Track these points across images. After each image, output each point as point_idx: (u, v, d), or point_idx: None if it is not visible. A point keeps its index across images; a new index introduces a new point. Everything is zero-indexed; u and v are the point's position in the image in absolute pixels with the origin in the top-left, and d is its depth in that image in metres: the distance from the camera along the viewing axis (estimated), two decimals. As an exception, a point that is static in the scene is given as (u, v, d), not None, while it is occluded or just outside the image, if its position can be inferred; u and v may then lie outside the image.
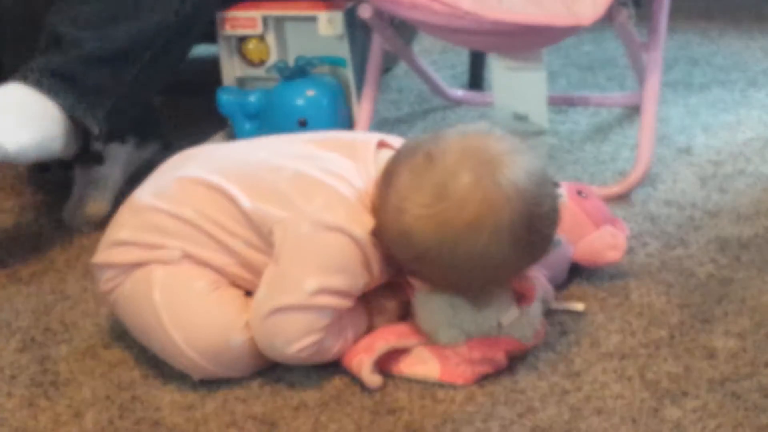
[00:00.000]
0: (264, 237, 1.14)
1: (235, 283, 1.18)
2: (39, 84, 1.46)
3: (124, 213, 1.20)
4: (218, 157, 1.22)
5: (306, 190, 1.13)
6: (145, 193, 1.19)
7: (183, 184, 1.18)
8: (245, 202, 1.14)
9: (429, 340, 1.16)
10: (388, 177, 1.12)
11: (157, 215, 1.16)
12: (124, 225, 1.18)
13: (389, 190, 1.11)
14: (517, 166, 1.09)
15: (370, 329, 1.19)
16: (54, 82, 1.48)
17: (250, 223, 1.14)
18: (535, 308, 1.17)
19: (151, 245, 1.16)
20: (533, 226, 1.09)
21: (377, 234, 1.13)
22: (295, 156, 1.19)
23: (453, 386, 1.13)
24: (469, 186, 1.07)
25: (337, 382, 1.15)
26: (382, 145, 1.21)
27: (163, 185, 1.19)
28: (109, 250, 1.18)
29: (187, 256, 1.15)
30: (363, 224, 1.12)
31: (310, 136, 1.25)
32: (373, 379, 1.13)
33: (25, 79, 1.46)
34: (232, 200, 1.15)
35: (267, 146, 1.24)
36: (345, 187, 1.13)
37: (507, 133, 1.13)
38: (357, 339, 1.17)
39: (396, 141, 1.23)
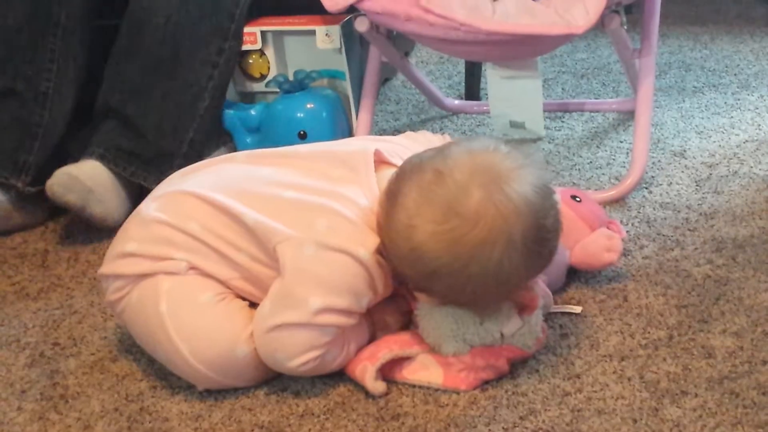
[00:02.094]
0: (269, 253, 1.14)
1: (240, 296, 1.19)
2: (103, 158, 1.60)
3: (131, 225, 1.21)
4: (220, 173, 1.23)
5: (309, 213, 1.14)
6: (150, 206, 1.20)
7: (187, 199, 1.19)
8: (249, 217, 1.15)
9: (432, 349, 1.17)
10: (393, 195, 1.12)
11: (164, 228, 1.17)
12: (132, 237, 1.19)
13: (396, 208, 1.10)
14: (525, 180, 1.09)
15: (372, 341, 1.20)
16: (117, 155, 1.60)
17: (254, 238, 1.15)
18: (537, 317, 1.18)
19: (158, 257, 1.17)
20: (542, 237, 1.10)
21: (383, 252, 1.13)
22: (297, 175, 1.19)
23: (456, 391, 1.15)
24: (482, 202, 1.07)
25: (342, 389, 1.17)
26: (379, 160, 1.21)
27: (167, 199, 1.21)
28: (116, 261, 1.20)
29: (193, 268, 1.17)
30: (367, 245, 1.12)
31: (306, 153, 1.24)
32: (376, 386, 1.14)
33: (91, 155, 1.59)
34: (235, 217, 1.16)
35: (268, 163, 1.23)
36: (348, 208, 1.14)
37: (512, 147, 1.13)
38: (359, 351, 1.18)
39: (387, 147, 1.22)
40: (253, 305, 1.17)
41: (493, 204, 1.07)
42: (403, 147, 1.24)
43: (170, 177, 1.26)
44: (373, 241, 1.13)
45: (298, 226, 1.13)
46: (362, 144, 1.23)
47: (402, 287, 1.19)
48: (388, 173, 1.16)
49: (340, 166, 1.19)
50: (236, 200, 1.16)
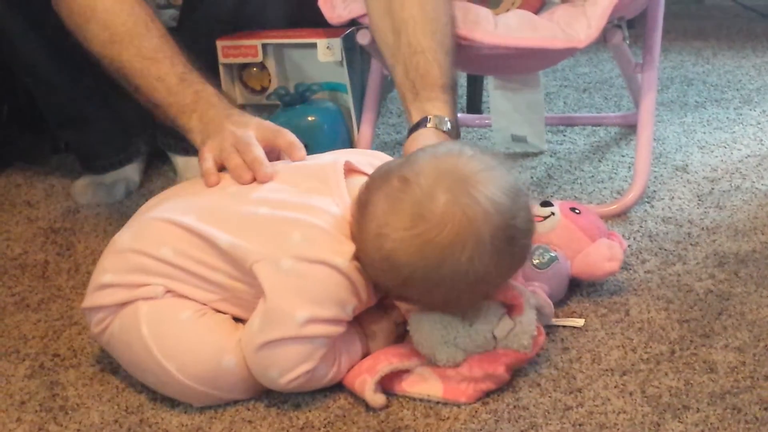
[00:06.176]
0: (246, 272, 1.14)
1: (220, 310, 1.19)
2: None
3: (107, 257, 1.21)
4: (193, 195, 1.23)
5: (283, 228, 1.14)
6: (125, 236, 1.21)
7: (159, 225, 1.19)
8: (222, 240, 1.14)
9: (429, 361, 1.16)
10: (362, 205, 1.12)
11: (137, 256, 1.17)
12: (107, 269, 1.19)
13: (366, 218, 1.11)
14: (491, 182, 1.10)
15: (365, 355, 1.19)
16: None
17: (229, 259, 1.15)
18: (528, 316, 1.17)
19: (135, 284, 1.17)
20: (512, 237, 1.11)
21: (359, 261, 1.13)
22: (268, 190, 1.19)
23: (457, 404, 1.14)
24: (448, 204, 1.08)
25: (343, 402, 1.16)
26: (350, 170, 1.21)
27: (141, 227, 1.21)
28: (94, 294, 1.20)
29: (170, 291, 1.17)
30: (344, 252, 1.13)
31: (276, 169, 1.24)
32: (376, 399, 1.14)
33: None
34: (208, 240, 1.15)
35: (237, 182, 1.23)
36: (321, 217, 1.14)
37: (477, 150, 1.14)
38: (352, 365, 1.18)
39: (361, 158, 1.23)
40: (237, 319, 1.18)
41: (459, 206, 1.08)
42: (378, 158, 1.25)
43: (146, 204, 1.27)
44: (349, 248, 1.13)
45: (272, 244, 1.13)
46: (333, 156, 1.25)
47: (389, 297, 1.19)
48: (359, 181, 1.17)
49: (309, 179, 1.20)
50: (208, 223, 1.16)
